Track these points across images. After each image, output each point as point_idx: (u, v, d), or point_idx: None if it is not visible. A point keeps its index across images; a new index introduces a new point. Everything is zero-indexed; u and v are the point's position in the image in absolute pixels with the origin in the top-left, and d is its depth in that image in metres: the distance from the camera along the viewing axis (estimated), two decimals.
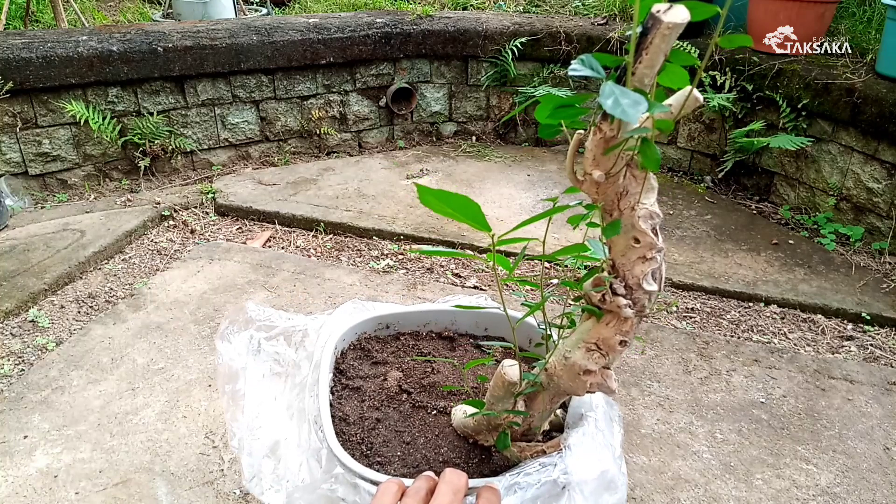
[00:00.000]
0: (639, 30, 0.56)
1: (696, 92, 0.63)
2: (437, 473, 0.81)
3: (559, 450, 0.80)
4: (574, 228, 0.80)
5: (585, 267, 0.78)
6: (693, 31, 3.11)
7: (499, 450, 0.85)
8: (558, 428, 0.90)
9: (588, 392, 0.78)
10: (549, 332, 0.84)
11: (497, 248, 0.78)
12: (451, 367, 1.02)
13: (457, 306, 0.99)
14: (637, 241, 0.69)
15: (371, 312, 1.08)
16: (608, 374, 0.77)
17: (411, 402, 0.96)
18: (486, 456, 0.88)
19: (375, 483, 0.78)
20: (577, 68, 0.59)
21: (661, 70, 0.59)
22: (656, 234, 0.69)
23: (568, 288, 0.80)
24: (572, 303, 0.80)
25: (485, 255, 0.78)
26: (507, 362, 0.81)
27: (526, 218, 0.72)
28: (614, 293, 0.72)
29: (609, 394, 0.77)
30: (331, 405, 0.95)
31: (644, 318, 0.74)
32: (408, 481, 0.73)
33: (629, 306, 0.71)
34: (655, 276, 0.71)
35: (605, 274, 0.73)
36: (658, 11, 0.55)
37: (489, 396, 0.84)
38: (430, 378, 1.00)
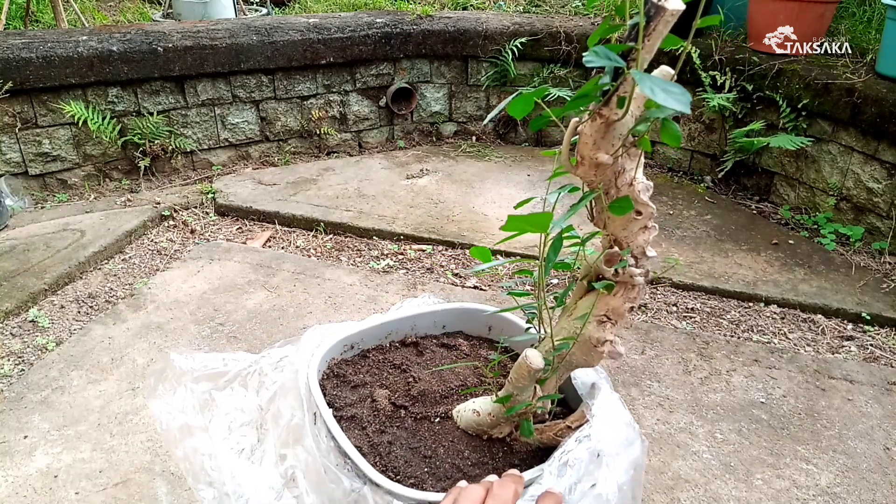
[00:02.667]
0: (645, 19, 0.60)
1: (668, 69, 0.68)
2: (468, 477, 0.81)
3: (585, 421, 0.83)
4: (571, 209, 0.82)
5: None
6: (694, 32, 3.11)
7: (523, 437, 0.87)
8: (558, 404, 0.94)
9: (600, 360, 0.83)
10: (540, 315, 0.86)
11: (496, 246, 0.79)
12: (428, 372, 1.01)
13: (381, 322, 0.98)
14: (639, 213, 0.74)
15: (335, 336, 1.03)
16: (617, 341, 0.83)
17: (411, 417, 0.94)
18: (507, 447, 0.89)
19: (427, 502, 0.75)
20: (591, 59, 0.61)
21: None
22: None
23: (565, 270, 0.84)
24: (580, 280, 0.84)
25: (535, 262, 0.82)
26: (528, 351, 0.82)
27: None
28: (629, 265, 0.77)
29: (618, 358, 0.83)
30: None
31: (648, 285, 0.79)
32: (439, 496, 0.70)
33: (641, 274, 0.77)
34: (650, 243, 0.78)
35: (615, 249, 0.78)
36: (660, 1, 0.59)
37: (512, 388, 0.84)
38: (416, 387, 0.97)
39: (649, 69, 0.64)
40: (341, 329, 1.05)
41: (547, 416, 0.91)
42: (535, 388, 0.85)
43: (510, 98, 0.68)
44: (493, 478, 0.69)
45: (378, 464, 0.85)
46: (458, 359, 1.04)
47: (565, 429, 0.85)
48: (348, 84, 3.32)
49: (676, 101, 0.54)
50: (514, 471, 0.69)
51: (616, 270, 0.78)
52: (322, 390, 0.96)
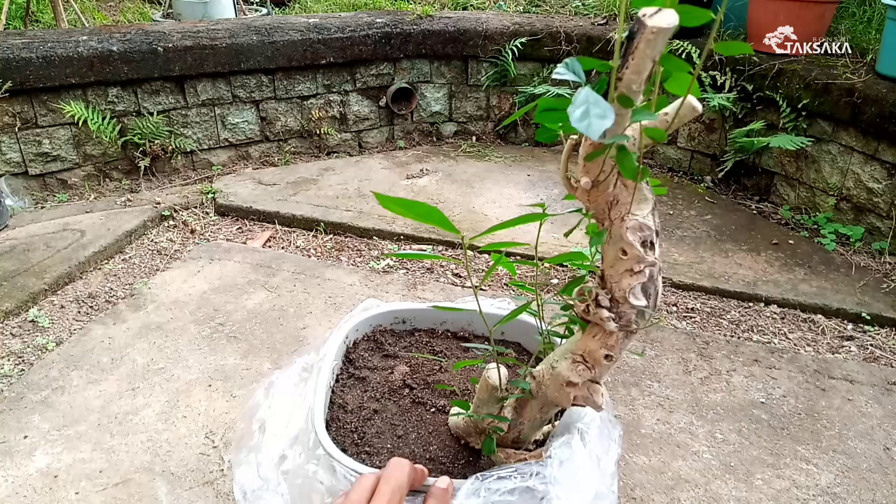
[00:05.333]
0: (625, 34, 0.54)
1: (693, 101, 0.59)
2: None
3: (540, 459, 0.79)
4: (566, 236, 0.80)
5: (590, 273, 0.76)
6: (693, 31, 3.11)
7: (485, 453, 0.85)
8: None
9: (574, 405, 0.76)
10: (548, 339, 0.84)
11: (494, 248, 0.78)
12: (462, 367, 1.03)
13: (434, 307, 0.99)
14: (625, 252, 0.66)
15: (387, 307, 1.09)
16: (595, 388, 0.74)
17: (412, 398, 0.97)
18: (474, 458, 0.87)
19: (351, 469, 0.78)
20: (561, 72, 0.57)
21: (666, 77, 0.57)
22: (648, 248, 0.66)
23: (563, 295, 0.78)
24: (562, 312, 0.78)
25: (467, 255, 0.78)
26: (490, 366, 0.80)
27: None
28: (598, 305, 0.69)
29: (595, 409, 0.75)
30: (333, 391, 0.96)
31: (632, 334, 0.71)
32: (368, 470, 0.72)
33: (613, 319, 0.69)
34: (648, 292, 0.67)
35: (591, 284, 0.71)
36: (644, 15, 0.53)
37: (476, 399, 0.84)
38: (437, 376, 1.00)
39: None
40: (398, 304, 1.11)
41: (530, 445, 0.88)
42: (500, 406, 0.82)
43: (529, 103, 0.63)
44: (430, 480, 0.70)
45: (351, 423, 0.91)
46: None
47: (523, 460, 0.81)
48: (348, 84, 3.32)
49: (588, 125, 0.49)
50: (403, 464, 0.64)
51: (588, 308, 0.71)
52: (354, 349, 1.04)
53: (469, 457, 0.88)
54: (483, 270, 2.41)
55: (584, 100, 0.51)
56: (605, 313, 0.69)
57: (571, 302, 0.75)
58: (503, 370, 0.80)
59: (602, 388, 0.74)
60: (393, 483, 0.61)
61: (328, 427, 0.89)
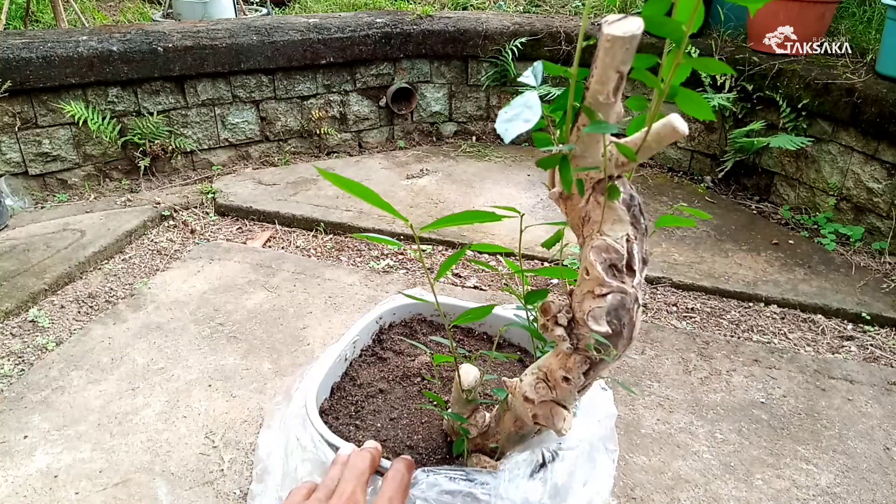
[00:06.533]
0: (584, 42, 0.51)
1: (674, 121, 0.53)
2: (393, 453, 0.85)
3: (496, 469, 0.77)
4: (545, 246, 0.79)
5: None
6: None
7: (456, 454, 0.84)
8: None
9: (536, 423, 0.72)
10: (540, 347, 0.82)
11: (480, 249, 0.77)
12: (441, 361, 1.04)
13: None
14: (588, 272, 0.62)
15: (430, 297, 1.10)
16: (557, 411, 0.69)
17: (421, 387, 0.99)
18: (451, 457, 0.87)
19: (323, 437, 0.82)
20: (527, 75, 0.56)
21: (675, 94, 0.53)
22: (616, 272, 0.62)
23: (525, 305, 0.75)
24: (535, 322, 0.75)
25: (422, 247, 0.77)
26: (464, 366, 0.79)
27: (529, 219, 0.71)
28: (556, 323, 0.66)
29: (556, 433, 0.70)
30: (350, 364, 1.01)
31: (598, 364, 0.66)
32: (347, 447, 0.74)
33: (565, 339, 0.65)
34: (615, 320, 0.62)
35: (557, 300, 0.67)
36: (606, 21, 0.50)
37: (452, 397, 0.83)
38: (453, 374, 1.01)
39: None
40: (444, 298, 1.12)
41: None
42: (471, 410, 0.81)
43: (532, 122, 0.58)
44: (386, 463, 0.74)
45: (355, 396, 0.95)
46: (500, 371, 1.05)
47: (483, 467, 0.80)
48: (348, 84, 3.32)
49: (504, 129, 0.48)
50: (365, 451, 0.70)
51: (545, 325, 0.67)
52: (388, 330, 1.08)
53: (447, 454, 0.88)
54: (484, 271, 2.41)
55: (520, 104, 0.50)
56: (559, 332, 0.65)
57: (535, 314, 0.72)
58: (473, 371, 0.78)
59: (567, 412, 0.69)
60: (356, 471, 0.67)
61: (332, 394, 0.95)
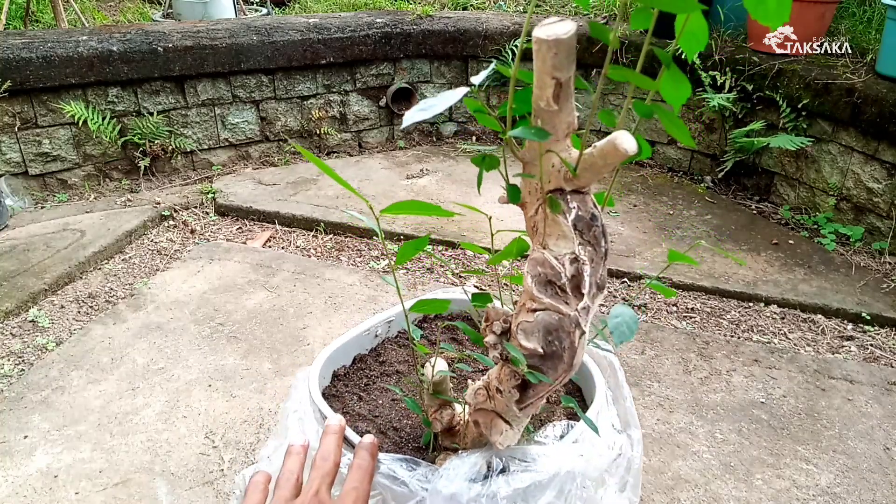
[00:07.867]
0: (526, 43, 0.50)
1: (620, 140, 0.47)
2: (386, 438, 0.85)
3: (443, 464, 0.76)
4: (491, 262, 0.79)
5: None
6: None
7: (423, 445, 0.85)
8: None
9: (477, 430, 0.70)
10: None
11: (468, 247, 0.76)
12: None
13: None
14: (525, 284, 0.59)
15: (453, 293, 1.14)
16: (497, 423, 0.66)
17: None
18: (426, 448, 0.87)
19: (314, 400, 0.84)
20: (478, 76, 0.57)
21: (649, 112, 0.52)
22: (552, 291, 0.58)
23: (476, 307, 0.75)
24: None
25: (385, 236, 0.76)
26: (438, 362, 0.77)
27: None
28: (490, 329, 0.64)
29: (492, 446, 0.67)
30: (382, 343, 1.05)
31: (520, 375, 0.63)
32: (353, 436, 0.76)
33: (495, 348, 0.63)
34: (558, 341, 0.58)
35: (501, 307, 0.65)
36: (539, 24, 0.48)
37: (425, 389, 0.83)
38: (474, 374, 1.03)
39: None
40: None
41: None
42: (439, 404, 0.79)
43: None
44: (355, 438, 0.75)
45: (370, 375, 0.98)
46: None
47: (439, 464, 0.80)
48: (348, 84, 3.32)
49: (409, 116, 0.50)
50: (331, 446, 0.69)
51: (485, 331, 0.64)
52: (433, 319, 1.11)
53: (426, 444, 0.89)
54: (484, 270, 2.41)
55: (440, 97, 0.51)
56: (491, 339, 0.63)
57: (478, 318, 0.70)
58: (440, 367, 0.77)
59: (506, 426, 0.66)
60: (321, 472, 0.67)
61: (353, 363, 1.00)
